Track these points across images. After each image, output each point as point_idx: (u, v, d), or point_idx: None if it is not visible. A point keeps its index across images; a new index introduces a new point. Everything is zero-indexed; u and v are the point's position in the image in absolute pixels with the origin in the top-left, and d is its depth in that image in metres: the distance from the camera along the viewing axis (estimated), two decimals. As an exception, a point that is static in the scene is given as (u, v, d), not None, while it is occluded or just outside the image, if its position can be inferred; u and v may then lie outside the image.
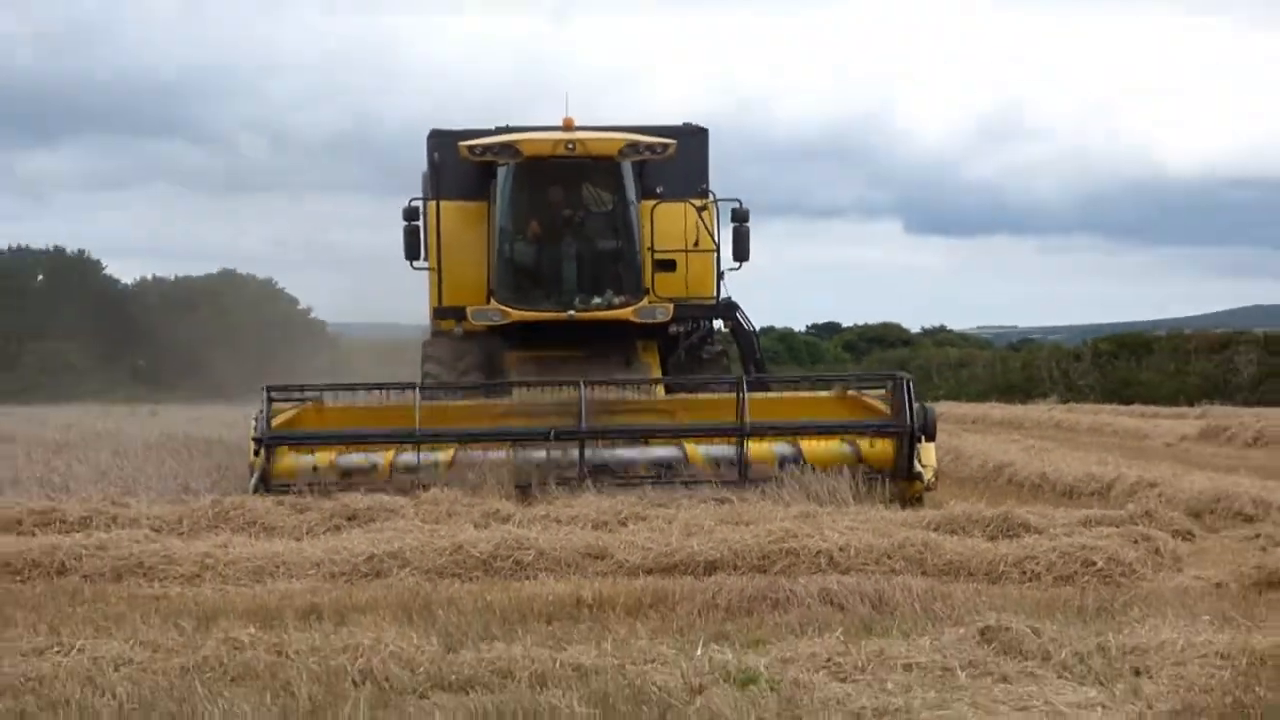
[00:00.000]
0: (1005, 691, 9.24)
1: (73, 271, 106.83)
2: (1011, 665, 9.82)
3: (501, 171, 23.35)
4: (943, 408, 46.58)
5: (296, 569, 14.32)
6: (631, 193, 23.78)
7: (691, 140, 24.58)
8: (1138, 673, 9.65)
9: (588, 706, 8.58)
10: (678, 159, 23.55)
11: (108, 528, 16.30)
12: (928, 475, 20.59)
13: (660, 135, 23.57)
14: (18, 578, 14.14)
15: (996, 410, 51.42)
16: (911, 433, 20.52)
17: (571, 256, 23.45)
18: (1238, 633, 10.59)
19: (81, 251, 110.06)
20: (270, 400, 20.52)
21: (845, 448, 20.91)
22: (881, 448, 20.95)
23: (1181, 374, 61.25)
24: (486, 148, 22.96)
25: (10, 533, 16.30)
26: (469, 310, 23.32)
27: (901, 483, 20.54)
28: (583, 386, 20.65)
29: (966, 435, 34.38)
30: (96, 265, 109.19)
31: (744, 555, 14.48)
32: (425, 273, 24.65)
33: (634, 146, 23.12)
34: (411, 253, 24.16)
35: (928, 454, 21.05)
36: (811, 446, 20.74)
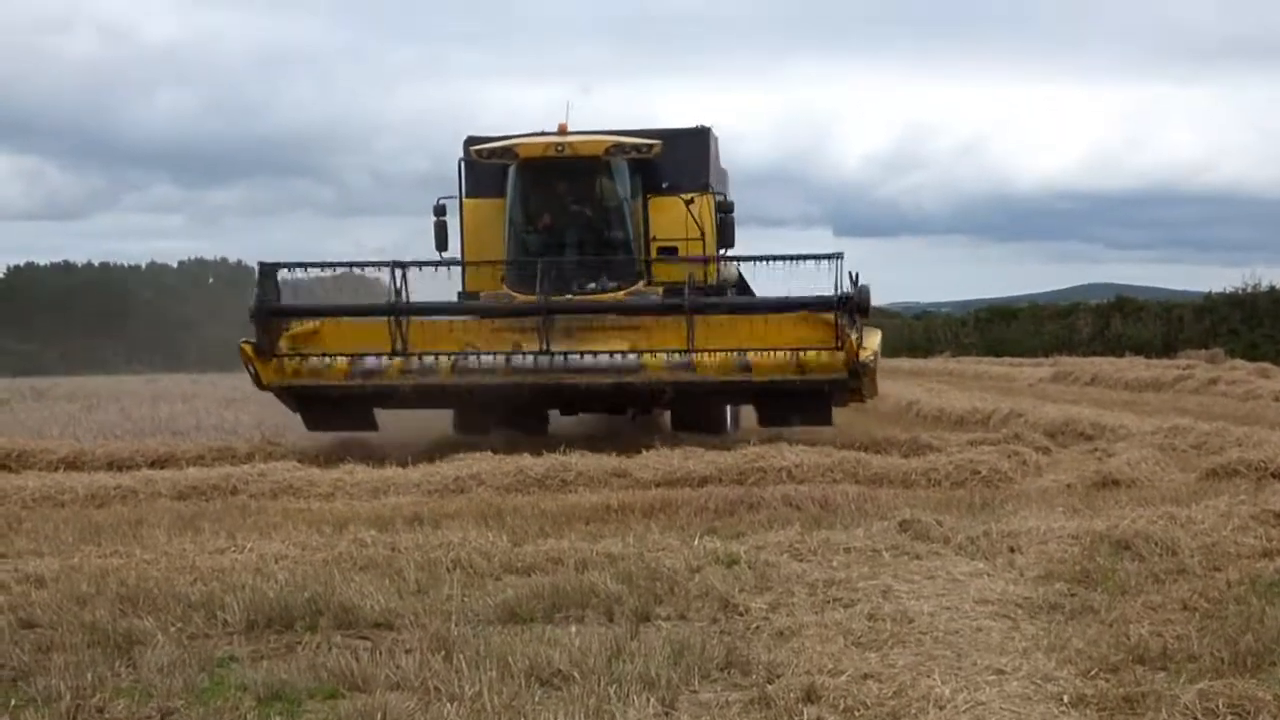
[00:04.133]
0: (918, 566, 9.26)
1: (235, 275, 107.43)
2: (922, 547, 9.86)
3: (510, 172, 19.94)
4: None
5: (403, 488, 14.32)
6: (624, 189, 20.09)
7: (693, 139, 20.78)
8: (1012, 550, 9.66)
9: (617, 583, 8.58)
10: (681, 156, 20.23)
11: (266, 460, 16.37)
12: (865, 354, 17.46)
13: (667, 136, 20.09)
14: (203, 498, 14.16)
15: (905, 363, 51.31)
16: (842, 303, 17.40)
17: (572, 246, 19.83)
18: (1083, 519, 10.61)
19: (240, 260, 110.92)
20: (266, 270, 18.46)
21: (789, 357, 17.73)
22: (826, 356, 17.56)
23: (1038, 334, 61.03)
24: (492, 151, 19.65)
25: (196, 465, 16.34)
26: (481, 295, 19.92)
27: (840, 355, 17.34)
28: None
29: (884, 382, 34.28)
30: (252, 271, 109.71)
31: (727, 472, 14.53)
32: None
33: (619, 147, 19.67)
34: (440, 244, 20.39)
35: (870, 338, 18.11)
36: (759, 360, 17.84)
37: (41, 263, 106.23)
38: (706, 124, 21.05)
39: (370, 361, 18.34)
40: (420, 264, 19.04)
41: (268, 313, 18.30)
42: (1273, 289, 51.85)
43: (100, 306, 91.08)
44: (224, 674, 6.97)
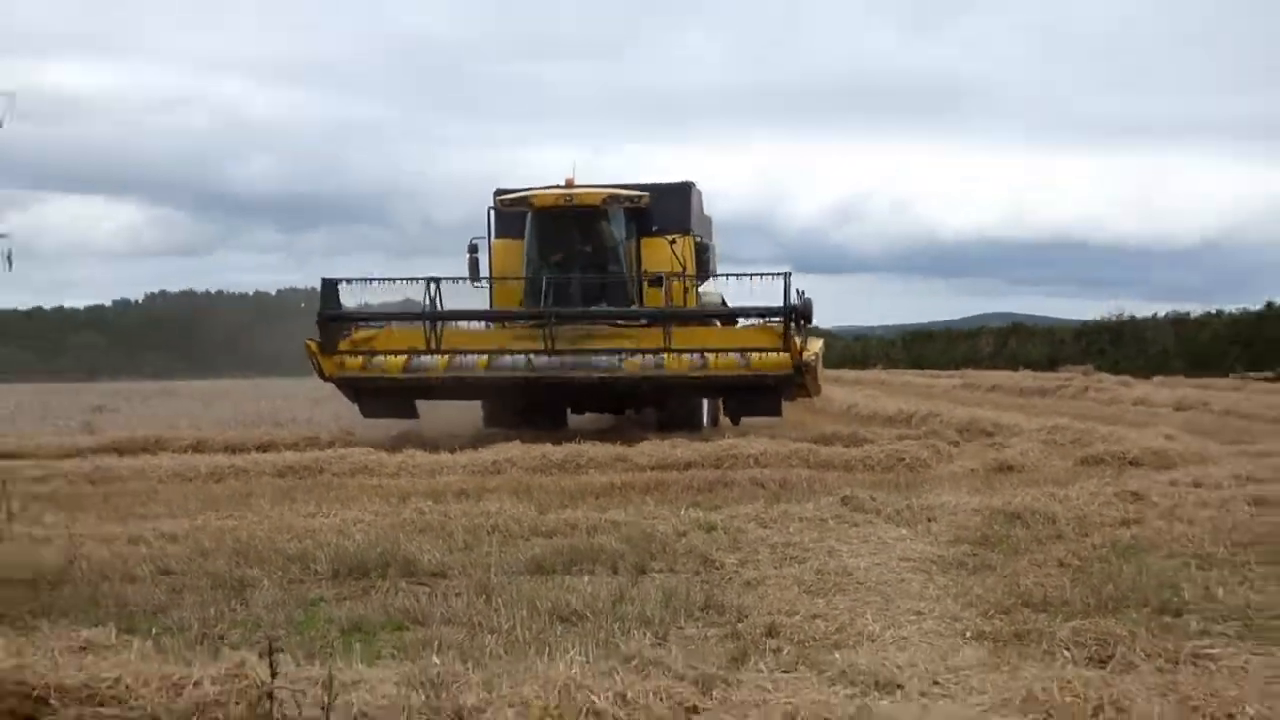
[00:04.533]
0: (856, 532, 9.31)
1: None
2: (860, 518, 9.90)
3: (528, 218, 19.48)
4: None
5: (452, 469, 14.29)
6: (619, 232, 19.52)
7: (677, 192, 20.09)
8: (929, 519, 9.72)
9: (620, 544, 8.63)
10: (667, 205, 19.75)
11: (345, 446, 16.32)
12: (808, 354, 17.17)
13: (656, 190, 19.78)
14: (297, 475, 14.15)
15: (848, 374, 51.16)
16: (788, 312, 17.22)
17: (576, 278, 19.20)
18: (983, 496, 10.67)
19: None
20: (327, 284, 18.39)
21: (738, 358, 17.42)
22: (775, 356, 17.19)
23: (950, 351, 61.09)
24: (513, 201, 19.33)
25: (291, 450, 16.36)
26: None
27: (787, 357, 17.02)
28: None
29: (830, 388, 34.28)
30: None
31: (707, 458, 14.46)
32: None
33: (614, 198, 19.34)
34: (473, 275, 19.74)
35: (813, 343, 17.81)
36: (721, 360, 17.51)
37: (172, 290, 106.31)
38: (689, 180, 20.59)
39: (412, 360, 18.17)
40: (449, 278, 18.87)
41: (327, 318, 18.29)
42: (1133, 318, 52.22)
43: (217, 324, 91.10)
44: (315, 611, 7.05)
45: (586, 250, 19.65)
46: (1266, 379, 34.97)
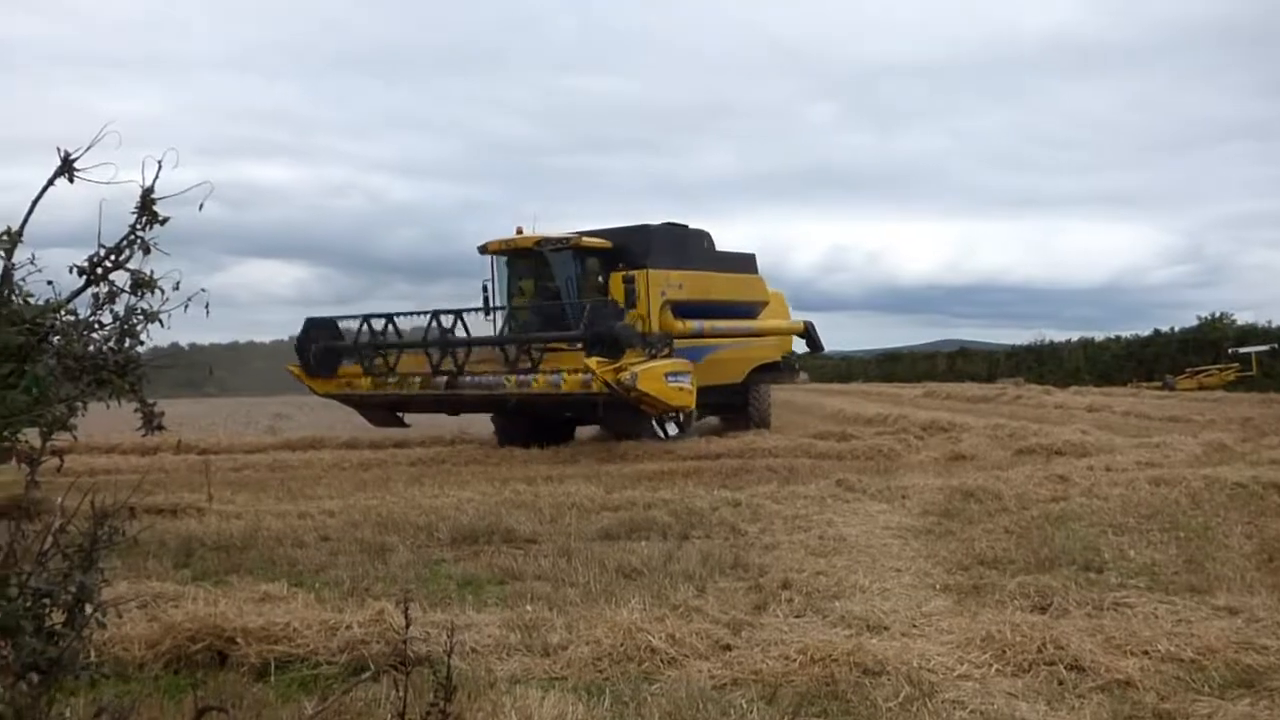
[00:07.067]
0: (848, 507, 9.11)
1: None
2: (850, 496, 9.71)
3: (492, 259, 17.45)
4: (815, 387, 46.16)
5: (540, 459, 14.17)
6: (564, 269, 16.90)
7: (638, 234, 17.22)
8: (904, 497, 9.51)
9: (668, 516, 8.48)
10: (633, 245, 17.08)
11: (461, 443, 16.31)
12: (624, 375, 13.69)
13: (623, 234, 17.19)
14: (425, 465, 14.01)
15: (836, 387, 50.83)
16: (586, 338, 14.30)
17: (535, 305, 16.79)
18: (944, 479, 10.44)
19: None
20: (311, 321, 16.90)
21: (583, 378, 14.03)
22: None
23: (914, 369, 60.44)
24: (482, 247, 17.27)
25: (420, 446, 16.27)
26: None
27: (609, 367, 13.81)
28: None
29: (822, 397, 34.08)
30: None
31: (732, 451, 14.28)
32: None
33: (546, 241, 16.69)
34: (484, 309, 16.97)
35: (649, 364, 14.20)
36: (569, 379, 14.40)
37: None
38: (647, 223, 17.67)
39: (360, 381, 16.77)
40: (404, 313, 16.88)
41: (305, 349, 17.06)
42: (1052, 342, 51.75)
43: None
44: (438, 569, 6.95)
45: (543, 284, 17.17)
46: (1155, 387, 34.39)
